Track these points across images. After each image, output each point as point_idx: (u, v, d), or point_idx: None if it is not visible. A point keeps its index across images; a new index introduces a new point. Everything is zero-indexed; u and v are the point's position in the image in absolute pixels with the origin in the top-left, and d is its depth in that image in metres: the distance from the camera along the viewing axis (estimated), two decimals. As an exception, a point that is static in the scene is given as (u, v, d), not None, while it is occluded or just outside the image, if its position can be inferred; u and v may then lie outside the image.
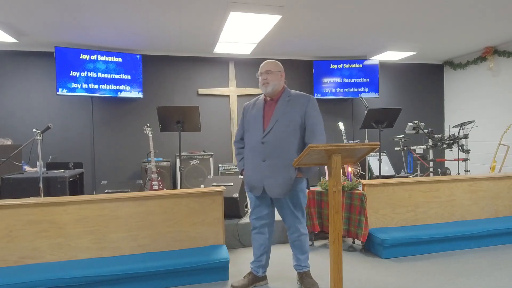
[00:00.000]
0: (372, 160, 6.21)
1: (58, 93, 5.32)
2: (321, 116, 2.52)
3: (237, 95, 6.43)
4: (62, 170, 3.98)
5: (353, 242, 3.58)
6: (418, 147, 5.44)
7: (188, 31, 4.99)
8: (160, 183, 4.91)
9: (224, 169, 5.98)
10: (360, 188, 3.48)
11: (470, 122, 5.20)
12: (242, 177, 2.79)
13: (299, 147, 2.43)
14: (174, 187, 5.89)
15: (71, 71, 5.39)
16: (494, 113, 6.26)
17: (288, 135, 2.40)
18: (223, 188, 3.12)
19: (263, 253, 2.61)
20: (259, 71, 2.53)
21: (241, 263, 3.08)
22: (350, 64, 6.65)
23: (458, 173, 5.75)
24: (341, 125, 5.97)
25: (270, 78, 2.45)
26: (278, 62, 2.56)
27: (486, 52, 6.19)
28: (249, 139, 2.53)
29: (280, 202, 2.50)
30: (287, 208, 2.50)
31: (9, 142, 4.82)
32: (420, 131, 5.20)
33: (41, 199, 2.81)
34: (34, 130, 3.35)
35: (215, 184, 3.81)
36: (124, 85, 5.79)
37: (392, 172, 6.32)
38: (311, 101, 2.48)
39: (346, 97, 6.74)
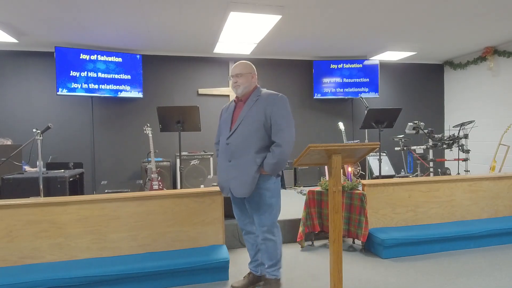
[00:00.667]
0: (372, 160, 6.21)
1: (58, 93, 5.32)
2: (291, 115, 2.43)
3: (237, 95, 6.42)
4: (62, 170, 3.98)
5: (353, 242, 3.58)
6: (418, 147, 5.44)
7: (188, 31, 4.99)
8: (160, 183, 4.91)
9: (224, 169, 5.97)
10: (360, 188, 3.48)
11: (470, 122, 5.20)
12: None
13: (261, 146, 2.39)
14: (174, 187, 5.90)
15: (71, 71, 5.39)
16: (494, 113, 6.26)
17: (250, 134, 2.38)
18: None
19: (257, 251, 2.60)
20: (230, 74, 2.51)
21: (241, 263, 3.08)
22: (350, 64, 6.65)
23: (458, 173, 5.74)
24: (341, 125, 5.97)
25: (240, 81, 2.44)
26: (249, 63, 2.53)
27: (486, 52, 6.19)
28: (220, 141, 2.56)
29: (249, 202, 2.47)
30: (254, 208, 2.45)
31: (9, 142, 4.82)
32: (420, 131, 5.20)
33: (41, 199, 2.81)
34: (34, 130, 3.35)
35: (215, 184, 3.81)
36: (124, 85, 5.78)
37: (392, 172, 6.32)
38: (278, 99, 2.41)
39: (346, 97, 6.75)
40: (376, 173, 6.00)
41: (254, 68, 2.55)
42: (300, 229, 3.38)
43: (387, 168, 6.34)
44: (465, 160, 5.10)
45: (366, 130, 6.50)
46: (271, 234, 2.44)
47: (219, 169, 2.55)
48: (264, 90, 2.52)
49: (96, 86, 5.58)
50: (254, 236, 2.58)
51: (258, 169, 2.38)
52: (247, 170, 2.37)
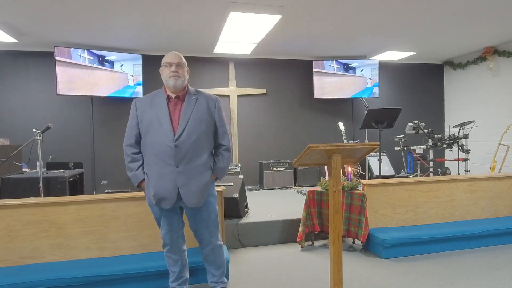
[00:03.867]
0: (372, 160, 6.21)
1: (58, 93, 5.32)
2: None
3: (237, 95, 6.43)
4: (62, 170, 3.98)
5: (353, 242, 3.58)
6: (418, 147, 5.44)
7: (188, 31, 4.99)
8: (160, 183, 4.90)
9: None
10: (360, 188, 3.49)
11: (470, 122, 5.20)
12: (145, 189, 2.27)
13: (211, 150, 2.31)
14: (174, 187, 5.88)
15: (71, 71, 5.38)
16: (494, 113, 6.26)
17: (201, 137, 2.23)
18: (223, 188, 3.12)
19: (182, 267, 2.42)
20: (166, 61, 2.22)
21: (241, 263, 3.08)
22: (350, 64, 6.64)
23: (458, 173, 5.74)
24: (341, 125, 5.97)
25: (181, 72, 2.23)
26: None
27: (486, 52, 6.19)
28: (152, 142, 2.18)
29: (194, 213, 2.29)
30: (202, 218, 2.30)
31: (7, 142, 4.81)
32: (420, 131, 5.20)
33: (41, 199, 2.81)
34: (34, 130, 3.35)
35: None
36: (124, 85, 5.78)
37: (392, 172, 6.32)
38: (219, 101, 2.36)
39: (346, 97, 6.74)
40: (376, 173, 6.00)
41: None
42: (300, 229, 3.38)
43: (387, 168, 6.34)
44: (465, 160, 5.10)
45: (366, 130, 6.51)
46: (217, 239, 2.40)
47: (154, 176, 2.18)
48: (193, 89, 2.37)
49: (96, 86, 5.58)
50: (181, 252, 2.40)
51: (210, 174, 2.28)
52: (200, 175, 2.22)
